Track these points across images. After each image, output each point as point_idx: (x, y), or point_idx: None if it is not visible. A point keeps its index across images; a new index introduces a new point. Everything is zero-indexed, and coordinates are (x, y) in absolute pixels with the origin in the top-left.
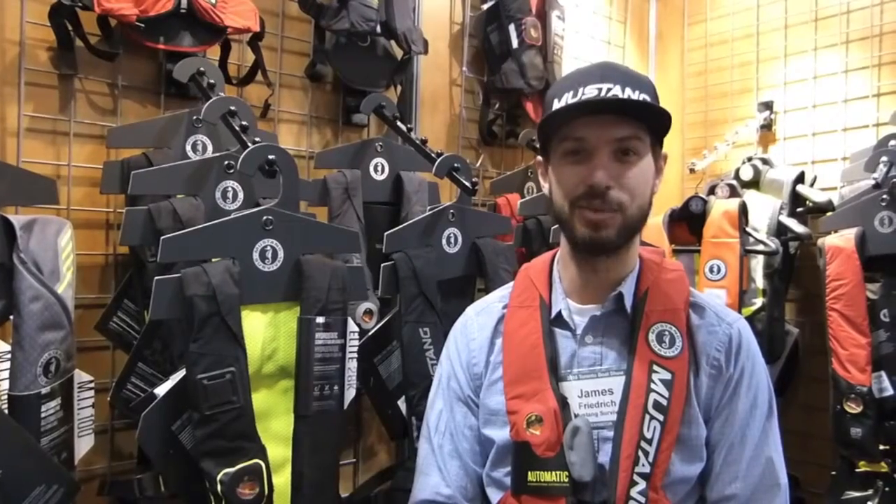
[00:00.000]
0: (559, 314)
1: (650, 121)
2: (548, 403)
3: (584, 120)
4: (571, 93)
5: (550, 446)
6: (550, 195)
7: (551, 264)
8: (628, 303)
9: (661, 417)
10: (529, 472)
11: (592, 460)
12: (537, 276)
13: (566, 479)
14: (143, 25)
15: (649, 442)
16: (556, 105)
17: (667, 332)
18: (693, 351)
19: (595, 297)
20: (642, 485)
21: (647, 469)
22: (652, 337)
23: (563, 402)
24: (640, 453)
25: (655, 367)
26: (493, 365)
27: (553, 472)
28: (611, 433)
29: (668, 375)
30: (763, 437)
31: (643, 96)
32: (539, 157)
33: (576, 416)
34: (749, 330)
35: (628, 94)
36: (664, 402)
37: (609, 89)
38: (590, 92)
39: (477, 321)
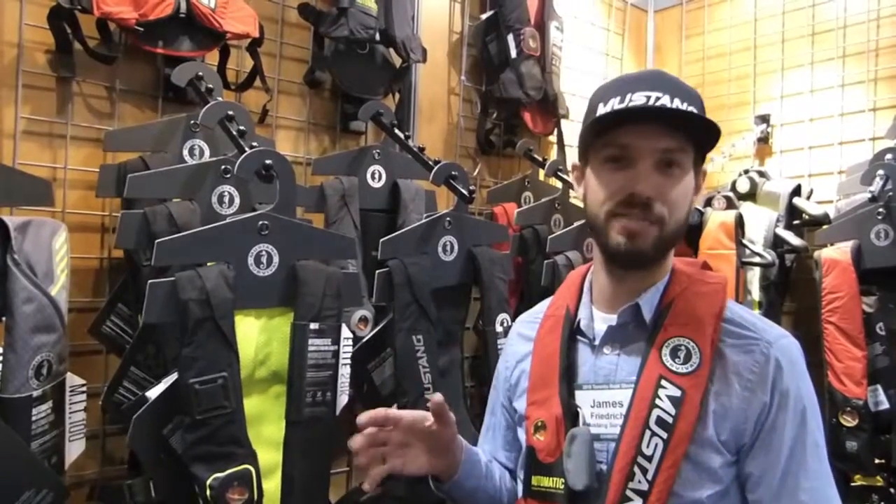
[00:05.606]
0: (580, 323)
1: (697, 134)
2: (552, 410)
3: (629, 127)
4: (619, 98)
5: (550, 452)
6: (585, 201)
7: (586, 273)
8: (647, 314)
9: (664, 435)
10: (533, 477)
11: (588, 469)
12: (571, 285)
13: (562, 487)
14: (142, 29)
15: (649, 459)
16: (602, 109)
17: (683, 348)
18: (722, 370)
19: (619, 306)
20: (637, 502)
21: (644, 486)
22: (665, 351)
23: (572, 411)
24: (636, 469)
25: (664, 383)
26: (525, 373)
27: (551, 478)
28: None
29: (677, 392)
30: (817, 467)
31: (691, 108)
32: (576, 161)
33: (586, 424)
34: (795, 349)
35: (677, 104)
36: (669, 420)
37: (658, 98)
38: (638, 99)
39: (518, 330)
